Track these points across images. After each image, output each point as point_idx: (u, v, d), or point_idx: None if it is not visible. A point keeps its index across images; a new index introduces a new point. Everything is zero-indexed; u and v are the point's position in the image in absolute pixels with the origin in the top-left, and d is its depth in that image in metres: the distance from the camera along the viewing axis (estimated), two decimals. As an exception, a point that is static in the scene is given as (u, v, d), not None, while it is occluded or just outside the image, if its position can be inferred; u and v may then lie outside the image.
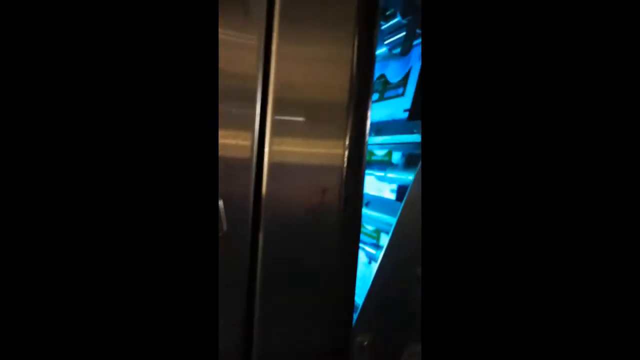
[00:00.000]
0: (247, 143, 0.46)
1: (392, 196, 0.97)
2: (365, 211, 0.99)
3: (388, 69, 1.02)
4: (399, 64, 0.96)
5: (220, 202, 0.44)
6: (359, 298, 0.74)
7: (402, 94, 0.96)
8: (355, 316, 0.72)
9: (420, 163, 0.75)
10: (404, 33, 0.85)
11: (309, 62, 0.50)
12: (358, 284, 0.94)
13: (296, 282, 0.51)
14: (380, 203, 0.96)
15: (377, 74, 1.06)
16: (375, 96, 1.06)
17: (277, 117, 0.48)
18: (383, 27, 0.88)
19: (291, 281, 0.51)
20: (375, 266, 0.75)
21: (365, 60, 0.53)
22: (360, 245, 0.97)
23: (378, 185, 1.02)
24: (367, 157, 1.07)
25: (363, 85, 0.54)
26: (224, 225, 0.45)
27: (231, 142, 0.45)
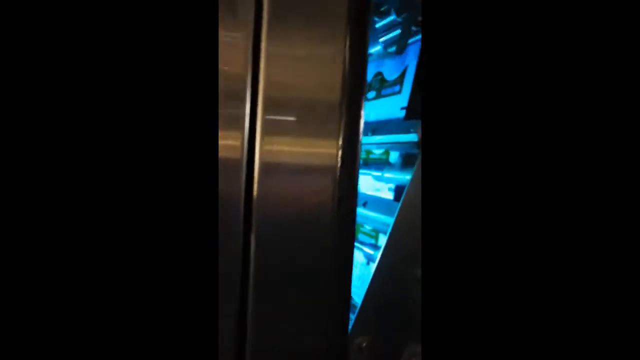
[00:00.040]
0: (237, 143, 0.46)
1: (390, 196, 0.97)
2: (363, 211, 0.99)
3: (384, 66, 1.01)
4: (395, 62, 0.96)
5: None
6: (358, 299, 0.74)
7: (399, 92, 0.95)
8: (353, 317, 0.72)
9: (417, 163, 0.75)
10: (399, 31, 0.84)
11: (300, 61, 0.49)
12: (357, 284, 0.94)
13: (290, 284, 0.51)
14: (378, 203, 0.96)
15: (373, 72, 1.06)
16: (372, 94, 1.06)
17: (268, 117, 0.47)
18: (378, 25, 0.88)
19: (285, 283, 0.50)
20: (373, 267, 0.75)
21: (358, 58, 0.53)
22: (359, 245, 0.97)
23: (375, 185, 1.02)
24: (364, 157, 1.07)
25: (355, 84, 0.53)
26: (215, 227, 0.44)
27: (220, 142, 0.45)
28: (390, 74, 0.98)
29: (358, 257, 0.98)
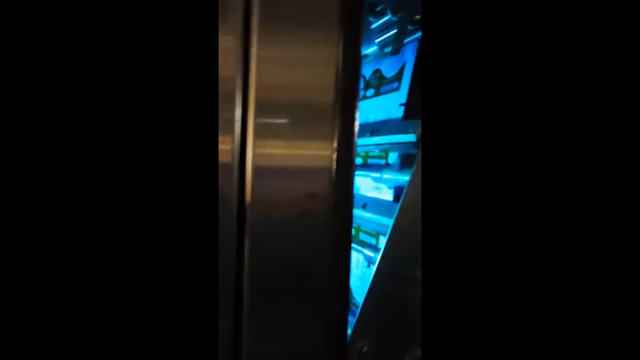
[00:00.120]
0: (228, 147, 0.45)
1: (390, 197, 0.96)
2: (363, 213, 0.98)
3: (383, 64, 1.01)
4: (393, 59, 0.95)
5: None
6: (361, 299, 0.73)
7: (398, 89, 0.95)
8: (354, 321, 0.71)
9: (415, 163, 0.74)
10: (395, 31, 0.84)
11: (292, 63, 0.49)
12: (359, 284, 0.93)
13: (286, 290, 0.50)
14: (377, 205, 0.95)
15: (371, 70, 1.06)
16: (371, 91, 1.06)
17: (260, 120, 0.47)
18: (373, 26, 0.87)
19: (281, 289, 0.50)
20: (374, 269, 0.74)
21: (351, 59, 0.52)
22: (359, 248, 0.96)
23: (375, 187, 1.01)
24: (363, 159, 1.06)
25: (349, 86, 0.52)
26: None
27: (211, 147, 0.44)
28: (389, 71, 0.98)
29: (359, 259, 0.97)
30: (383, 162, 0.99)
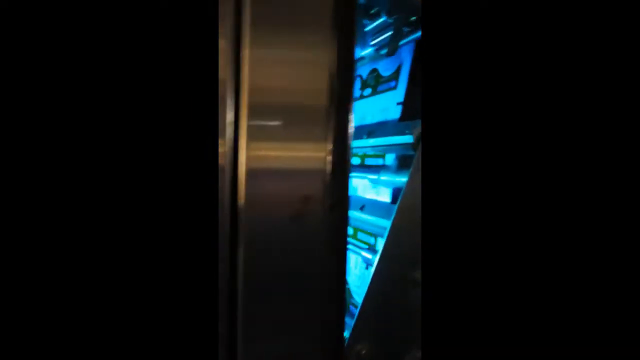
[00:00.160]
0: (221, 150, 0.45)
1: (387, 199, 0.96)
2: (361, 215, 0.98)
3: (379, 64, 1.01)
4: (389, 59, 0.95)
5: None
6: (360, 299, 0.73)
7: (395, 87, 0.95)
8: (352, 323, 0.71)
9: (412, 164, 0.74)
10: (390, 33, 0.84)
11: (284, 65, 0.49)
12: (358, 284, 0.92)
13: (281, 292, 0.50)
14: (375, 206, 0.95)
15: (368, 69, 1.06)
16: (368, 91, 1.06)
17: (252, 122, 0.47)
18: (368, 28, 0.87)
19: (275, 292, 0.50)
20: (372, 271, 0.74)
21: (344, 61, 0.52)
22: (358, 250, 0.96)
23: (373, 189, 1.01)
24: (361, 160, 1.06)
25: (343, 87, 0.52)
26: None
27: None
28: (386, 70, 0.98)
29: (358, 262, 0.97)
30: (380, 163, 0.99)
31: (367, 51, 0.95)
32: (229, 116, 0.46)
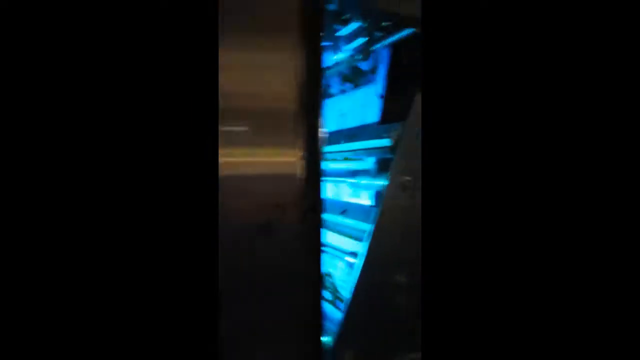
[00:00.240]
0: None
1: (368, 202, 0.96)
2: (343, 219, 0.98)
3: (357, 63, 1.02)
4: (367, 61, 0.97)
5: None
6: (345, 292, 0.72)
7: (374, 81, 0.96)
8: (336, 330, 0.71)
9: (391, 167, 0.75)
10: (364, 38, 0.85)
11: (252, 71, 0.49)
12: (344, 282, 0.92)
13: (258, 301, 0.50)
14: (356, 210, 0.95)
15: (348, 67, 1.07)
16: (349, 86, 1.07)
17: (223, 129, 0.47)
18: (341, 34, 0.88)
19: (253, 300, 0.49)
20: (355, 275, 0.74)
21: (312, 66, 0.53)
22: (341, 254, 0.96)
23: (353, 192, 1.01)
24: (341, 165, 1.06)
25: (312, 92, 0.53)
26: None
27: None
28: (364, 65, 0.99)
29: (340, 266, 0.97)
30: (360, 167, 1.00)
31: (341, 55, 0.96)
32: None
